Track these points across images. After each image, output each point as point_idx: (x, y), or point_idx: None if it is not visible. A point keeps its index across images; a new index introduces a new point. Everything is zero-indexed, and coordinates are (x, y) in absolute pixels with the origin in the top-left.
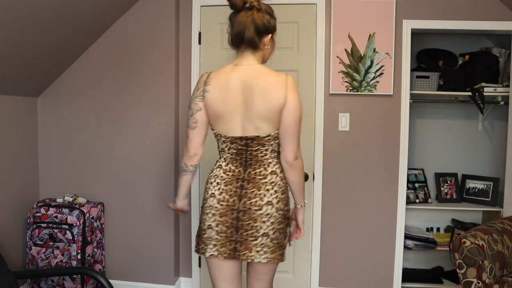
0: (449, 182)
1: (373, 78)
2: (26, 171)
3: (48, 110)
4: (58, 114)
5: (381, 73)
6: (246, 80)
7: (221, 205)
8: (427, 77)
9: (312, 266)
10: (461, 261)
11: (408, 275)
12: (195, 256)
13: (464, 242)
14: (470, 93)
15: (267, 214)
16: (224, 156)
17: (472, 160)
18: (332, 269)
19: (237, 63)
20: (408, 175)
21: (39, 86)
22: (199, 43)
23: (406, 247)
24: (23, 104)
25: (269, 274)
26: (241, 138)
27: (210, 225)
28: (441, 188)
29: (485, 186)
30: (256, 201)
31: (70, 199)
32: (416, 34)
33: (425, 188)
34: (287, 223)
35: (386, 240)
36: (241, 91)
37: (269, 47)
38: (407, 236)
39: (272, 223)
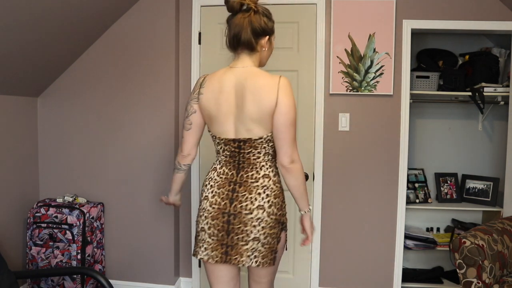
0: (449, 182)
1: (373, 78)
2: (26, 171)
3: (48, 110)
4: (58, 114)
5: (381, 73)
6: (239, 82)
7: (213, 208)
8: (427, 77)
9: (312, 266)
10: (461, 261)
11: (408, 275)
12: None
13: (464, 242)
14: (470, 93)
15: (258, 219)
16: (219, 159)
17: (472, 160)
18: (332, 269)
19: (232, 65)
20: (408, 175)
21: (39, 86)
22: (199, 43)
23: (406, 247)
24: (23, 104)
25: (267, 277)
26: (234, 140)
27: (203, 227)
28: (441, 188)
29: (485, 186)
30: (246, 205)
31: (70, 199)
32: (416, 34)
33: (425, 188)
34: (281, 227)
35: (386, 240)
36: (234, 93)
37: (266, 49)
38: (407, 236)
39: (263, 227)
